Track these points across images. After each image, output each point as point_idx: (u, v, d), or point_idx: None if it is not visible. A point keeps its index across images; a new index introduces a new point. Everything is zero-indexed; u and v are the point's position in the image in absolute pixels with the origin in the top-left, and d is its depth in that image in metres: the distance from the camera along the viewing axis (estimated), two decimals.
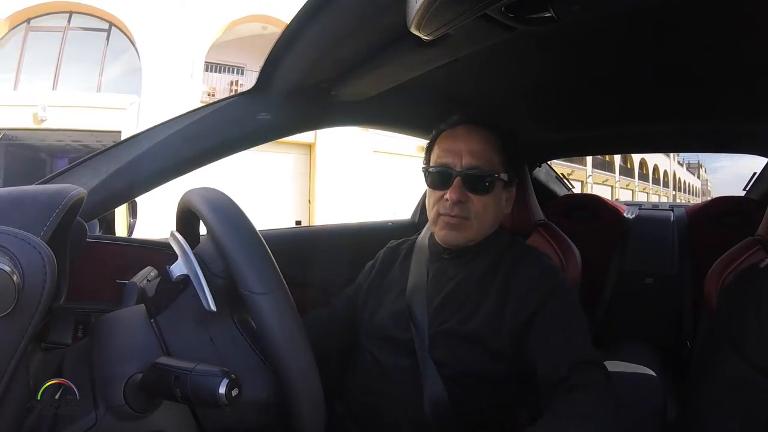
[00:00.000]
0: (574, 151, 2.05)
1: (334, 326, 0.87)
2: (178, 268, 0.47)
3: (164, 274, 0.48)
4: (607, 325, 1.63)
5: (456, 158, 0.76)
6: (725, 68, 0.83)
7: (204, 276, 0.45)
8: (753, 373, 0.60)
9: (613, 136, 1.54)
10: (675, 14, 0.65)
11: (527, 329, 0.70)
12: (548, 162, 1.83)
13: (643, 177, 21.55)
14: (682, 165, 29.62)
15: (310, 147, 9.52)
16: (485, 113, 0.82)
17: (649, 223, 1.73)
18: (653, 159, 22.11)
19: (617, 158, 18.15)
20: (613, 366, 0.88)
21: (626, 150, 1.93)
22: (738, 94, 0.98)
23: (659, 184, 23.49)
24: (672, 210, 1.80)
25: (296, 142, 9.09)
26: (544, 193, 1.79)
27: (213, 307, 0.44)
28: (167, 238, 0.52)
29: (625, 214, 1.77)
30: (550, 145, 1.63)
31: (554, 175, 1.90)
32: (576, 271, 1.15)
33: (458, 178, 0.75)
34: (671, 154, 23.58)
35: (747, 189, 1.63)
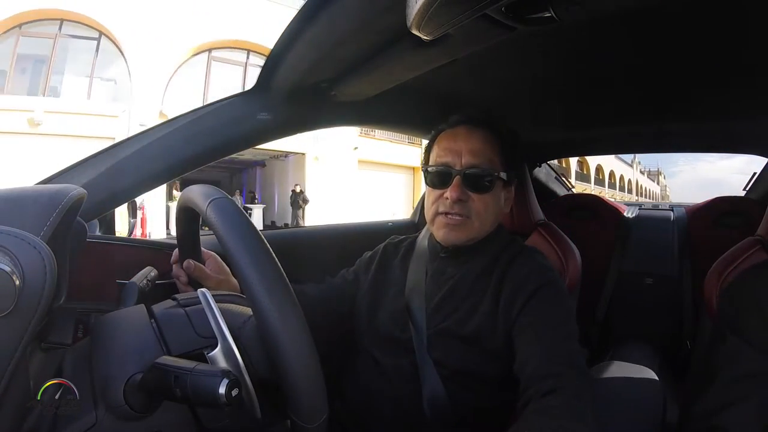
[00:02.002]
0: (574, 151, 2.04)
1: (327, 297, 0.87)
2: (221, 359, 0.43)
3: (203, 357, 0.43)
4: (607, 325, 1.63)
5: (456, 157, 0.76)
6: (725, 68, 0.83)
7: (248, 374, 0.43)
8: (764, 361, 0.59)
9: (613, 136, 1.54)
10: (675, 14, 0.65)
11: (514, 327, 0.70)
12: (548, 162, 1.83)
13: (612, 186, 26.77)
14: (643, 173, 36.11)
15: (414, 170, 12.53)
16: (485, 113, 0.82)
17: (649, 223, 1.73)
18: (619, 170, 28.26)
19: (592, 171, 23.17)
20: (613, 366, 0.88)
21: (627, 150, 1.93)
22: (738, 94, 0.97)
23: (624, 191, 29.10)
24: (672, 210, 1.79)
25: (405, 166, 12.47)
26: (544, 193, 1.79)
27: (259, 415, 0.43)
28: (194, 290, 0.49)
29: (625, 214, 1.77)
30: (550, 145, 1.62)
31: (554, 175, 1.90)
32: (576, 271, 1.15)
33: (458, 177, 0.75)
34: (634, 165, 31.76)
35: (747, 189, 1.63)
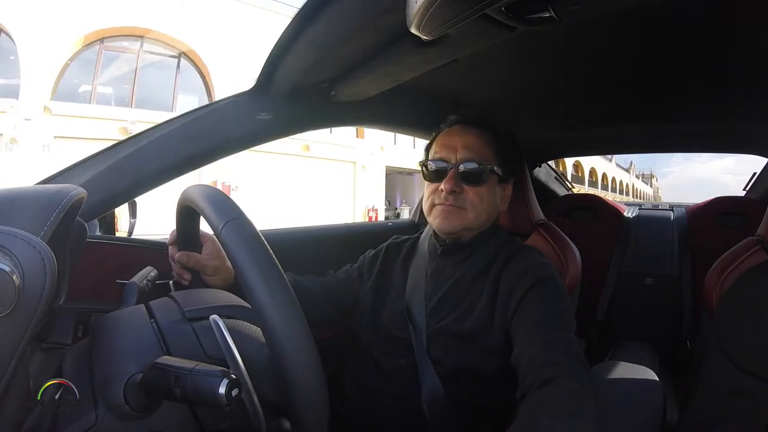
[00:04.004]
0: (574, 151, 2.04)
1: (330, 291, 0.88)
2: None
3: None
4: (607, 325, 1.63)
5: (451, 152, 0.79)
6: (726, 68, 0.83)
7: (257, 397, 0.44)
8: (749, 380, 0.59)
9: (613, 136, 1.54)
10: (675, 14, 0.65)
11: (512, 322, 0.70)
12: (548, 162, 1.83)
13: (613, 189, 32.90)
14: (638, 177, 42.77)
15: None
16: (481, 113, 0.84)
17: (649, 223, 1.73)
18: (619, 176, 34.75)
19: (599, 178, 28.52)
20: (613, 366, 0.88)
21: (626, 150, 1.93)
22: (738, 94, 0.98)
23: (621, 193, 35.49)
24: (672, 210, 1.80)
25: None
26: (544, 193, 1.79)
27: (264, 427, 0.44)
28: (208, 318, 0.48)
29: (625, 214, 1.77)
30: (550, 145, 1.62)
31: (554, 175, 1.90)
32: (576, 271, 1.15)
33: (453, 170, 0.77)
34: (631, 171, 37.95)
35: (747, 189, 1.63)
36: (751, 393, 0.59)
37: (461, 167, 0.77)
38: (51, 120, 8.29)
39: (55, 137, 8.24)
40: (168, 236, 0.73)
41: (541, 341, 0.64)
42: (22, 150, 7.96)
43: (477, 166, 0.77)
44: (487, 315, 0.73)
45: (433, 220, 0.80)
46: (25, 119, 7.94)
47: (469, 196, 0.77)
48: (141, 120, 8.23)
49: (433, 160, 0.81)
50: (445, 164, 0.79)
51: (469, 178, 0.77)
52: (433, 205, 0.80)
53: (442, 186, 0.77)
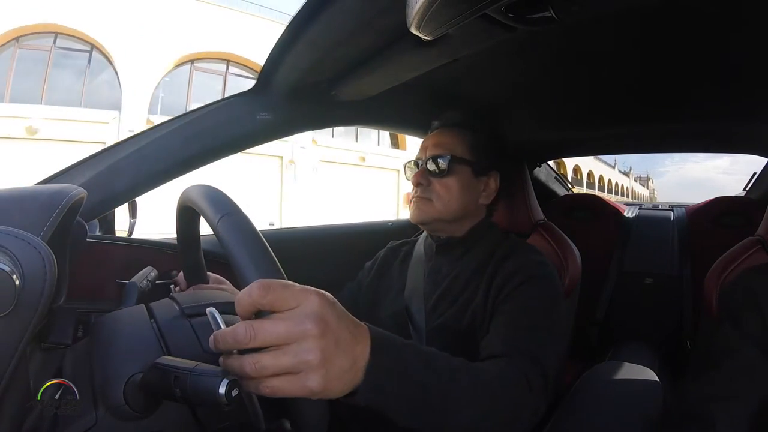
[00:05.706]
0: (574, 151, 2.04)
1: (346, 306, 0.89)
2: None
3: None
4: (607, 325, 1.63)
5: (423, 152, 0.84)
6: (725, 68, 0.83)
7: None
8: (763, 358, 0.58)
9: (613, 137, 1.53)
10: (675, 14, 0.65)
11: (493, 315, 0.70)
12: (548, 162, 1.83)
13: (616, 192, 37.85)
14: (636, 180, 47.60)
15: None
16: (461, 115, 0.86)
17: (649, 223, 1.73)
18: (621, 180, 39.40)
19: (606, 183, 33.19)
20: (613, 366, 0.88)
21: (626, 150, 1.92)
22: (738, 94, 0.97)
23: (622, 195, 40.12)
24: (672, 210, 1.79)
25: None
26: (544, 193, 1.78)
27: (264, 427, 0.43)
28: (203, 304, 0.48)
29: (625, 214, 1.77)
30: (550, 145, 1.62)
31: (554, 175, 1.90)
32: (576, 271, 1.15)
33: (423, 166, 0.83)
34: (630, 174, 43.06)
35: (747, 189, 1.63)
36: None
37: (429, 162, 0.82)
38: None
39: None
40: (168, 238, 0.74)
41: (504, 333, 0.63)
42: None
43: (442, 157, 0.81)
44: (482, 311, 0.73)
45: (410, 214, 0.85)
46: (129, 131, 8.46)
47: (435, 188, 0.81)
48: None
49: (410, 162, 0.87)
50: (417, 162, 0.85)
51: (434, 170, 0.81)
52: (410, 201, 0.84)
53: (413, 180, 0.83)
